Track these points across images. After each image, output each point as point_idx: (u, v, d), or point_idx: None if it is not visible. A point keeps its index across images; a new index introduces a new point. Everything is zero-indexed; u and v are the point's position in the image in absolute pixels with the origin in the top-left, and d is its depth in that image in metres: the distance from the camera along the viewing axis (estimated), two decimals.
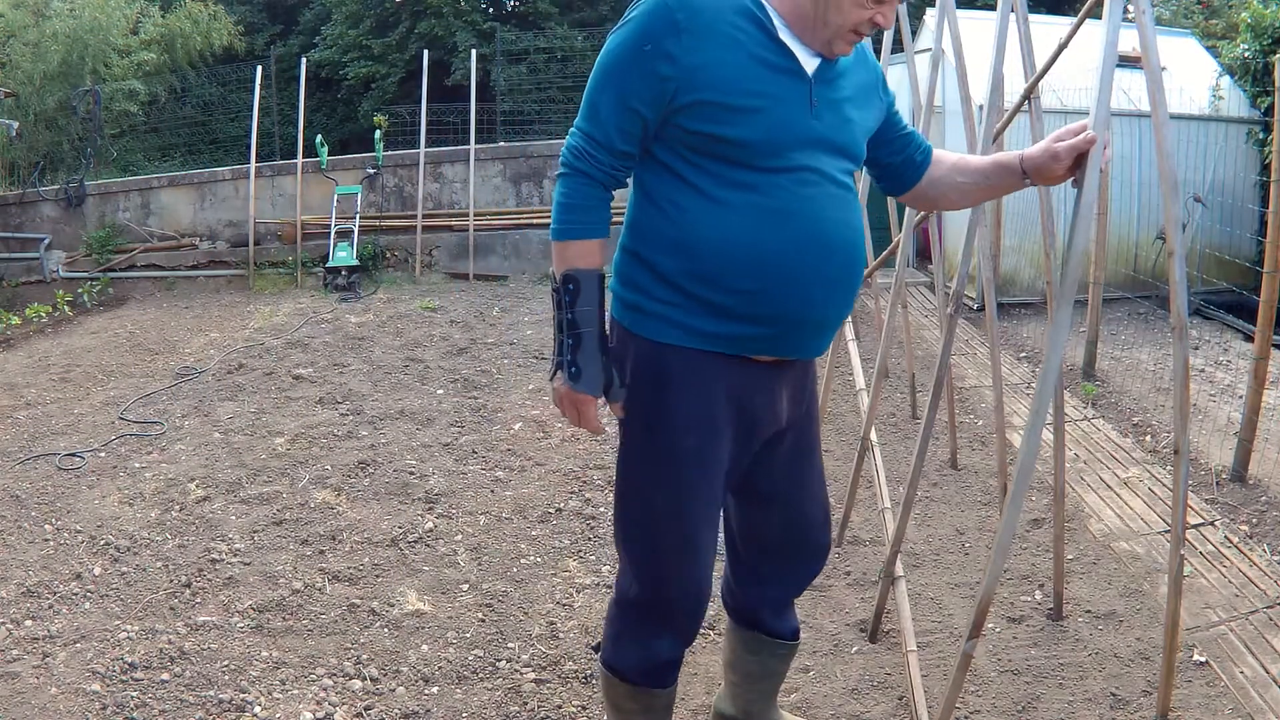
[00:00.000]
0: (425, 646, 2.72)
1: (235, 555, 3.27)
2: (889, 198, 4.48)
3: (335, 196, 8.55)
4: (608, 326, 1.88)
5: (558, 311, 1.80)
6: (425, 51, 9.73)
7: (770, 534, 2.04)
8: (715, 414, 1.83)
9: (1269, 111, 6.41)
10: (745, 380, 1.83)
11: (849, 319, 4.00)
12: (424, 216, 8.77)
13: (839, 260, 1.79)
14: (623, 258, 1.85)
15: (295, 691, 2.51)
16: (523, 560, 3.25)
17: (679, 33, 1.68)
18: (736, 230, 1.72)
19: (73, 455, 4.22)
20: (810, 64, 1.75)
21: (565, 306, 1.78)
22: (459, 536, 3.42)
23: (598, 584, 3.07)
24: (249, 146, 8.80)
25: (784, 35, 1.73)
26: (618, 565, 2.01)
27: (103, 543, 3.36)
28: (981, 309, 5.53)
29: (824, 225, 1.76)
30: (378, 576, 3.12)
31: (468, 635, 2.78)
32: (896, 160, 2.01)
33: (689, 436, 1.82)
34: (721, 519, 2.04)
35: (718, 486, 1.88)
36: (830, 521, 2.12)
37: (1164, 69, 2.10)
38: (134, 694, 2.49)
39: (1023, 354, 5.75)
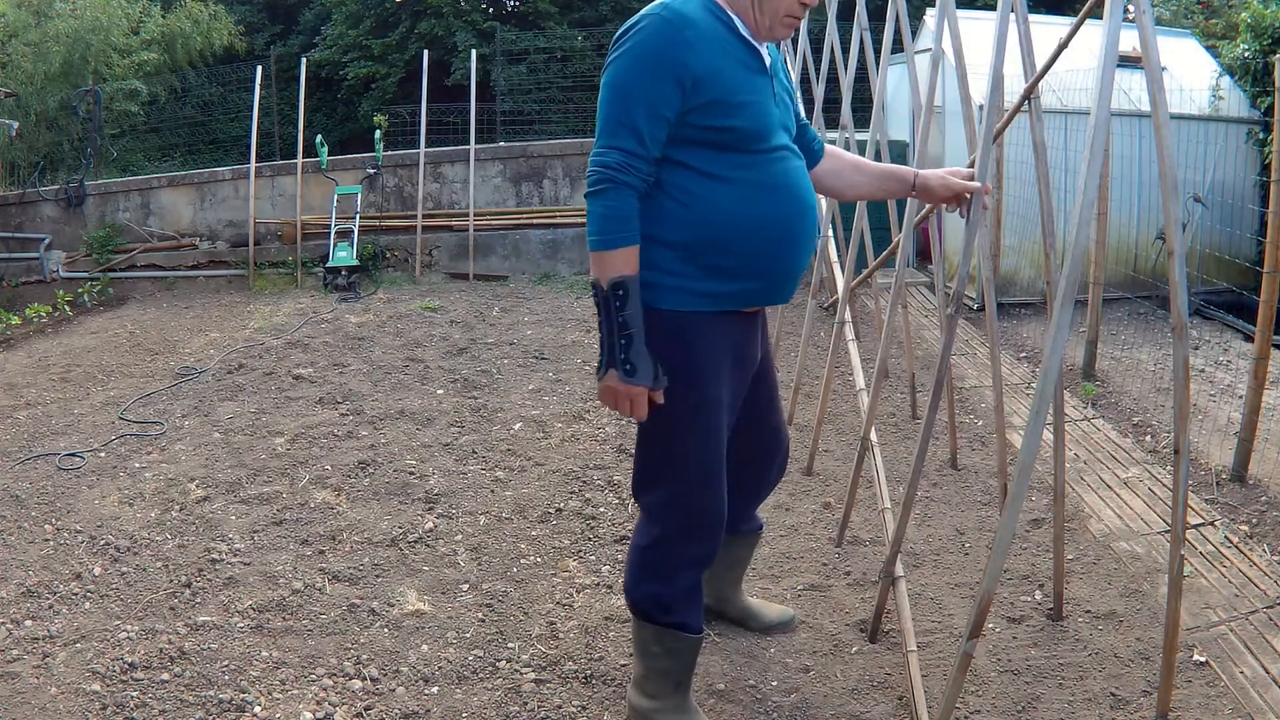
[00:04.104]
0: (425, 646, 2.72)
1: (235, 555, 3.27)
2: (888, 198, 4.47)
3: (335, 196, 8.55)
4: None
5: (607, 316, 2.01)
6: (425, 51, 9.73)
7: (748, 449, 2.40)
8: (723, 366, 2.15)
9: (1269, 111, 6.41)
10: (741, 331, 2.18)
11: (850, 318, 4.00)
12: (424, 216, 8.77)
13: (810, 218, 2.17)
14: None
15: (295, 691, 2.51)
16: (523, 560, 3.25)
17: (689, 47, 1.96)
18: (741, 202, 2.04)
19: (73, 455, 4.22)
20: (766, 57, 2.11)
21: (617, 311, 2.00)
22: (459, 536, 3.42)
23: (598, 584, 3.07)
24: (249, 146, 8.80)
25: (745, 34, 2.06)
26: (637, 517, 2.29)
27: (103, 543, 3.36)
28: (981, 309, 5.54)
29: (799, 192, 2.13)
30: (378, 576, 3.12)
31: (468, 635, 2.78)
32: (798, 144, 2.33)
33: (714, 386, 2.13)
34: None
35: (725, 426, 2.20)
36: (785, 428, 2.55)
37: (1164, 69, 2.10)
38: (134, 694, 2.49)
39: (1023, 354, 5.75)
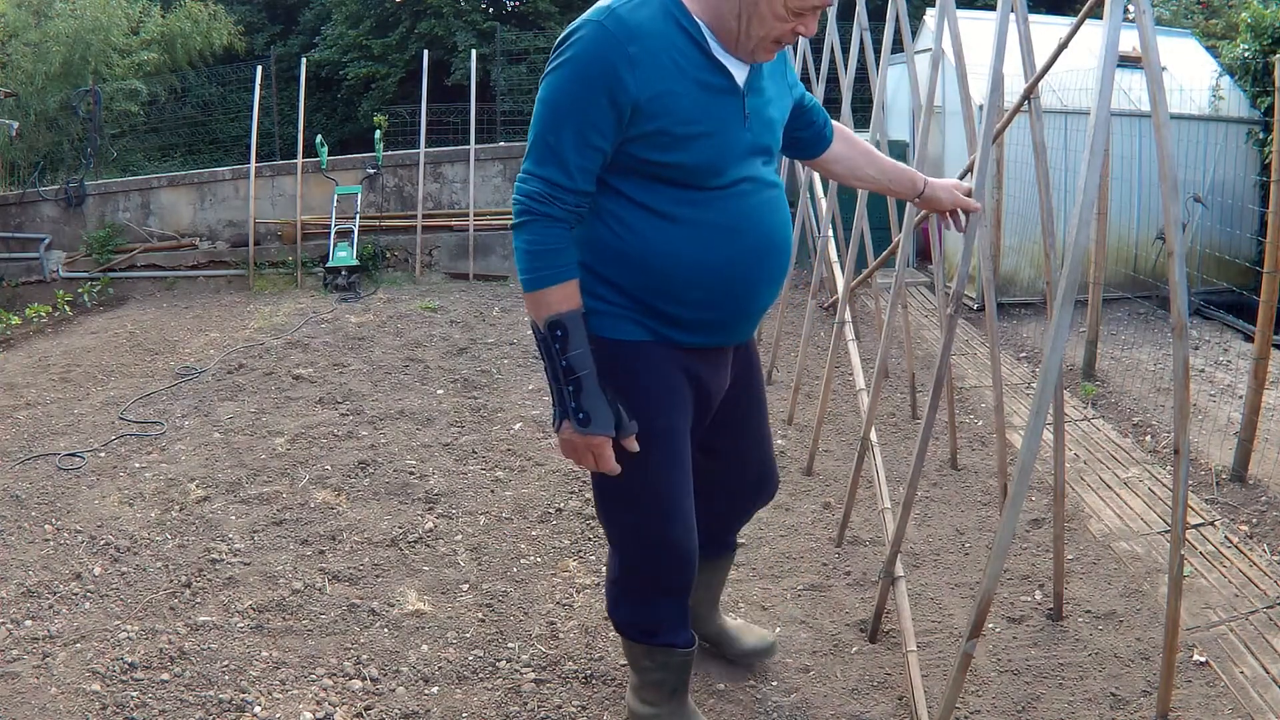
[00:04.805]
0: (425, 646, 2.72)
1: (235, 555, 3.27)
2: (888, 198, 4.48)
3: (335, 196, 8.55)
4: None
5: (549, 361, 1.81)
6: (425, 51, 9.73)
7: (722, 478, 2.24)
8: (677, 393, 1.96)
9: (1269, 111, 6.40)
10: (700, 362, 1.98)
11: (850, 319, 4.00)
12: (424, 216, 8.77)
13: (775, 259, 1.94)
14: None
15: (295, 691, 2.51)
16: (523, 560, 3.25)
17: (633, 65, 1.68)
18: (683, 246, 1.81)
19: (73, 455, 4.22)
20: (740, 75, 1.82)
21: (558, 355, 1.80)
22: (459, 536, 3.42)
23: (598, 584, 3.07)
24: (249, 146, 8.80)
25: (716, 50, 1.79)
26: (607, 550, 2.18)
27: (103, 543, 3.36)
28: (981, 309, 5.53)
29: (763, 231, 1.90)
30: (378, 576, 3.12)
31: (468, 635, 2.78)
32: (806, 134, 2.20)
33: (660, 418, 1.93)
34: None
35: (687, 454, 2.02)
36: (775, 461, 2.35)
37: (1164, 69, 2.10)
38: (134, 694, 2.49)
39: (1023, 354, 5.75)
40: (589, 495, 3.76)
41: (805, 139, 2.22)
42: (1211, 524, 3.34)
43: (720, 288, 1.86)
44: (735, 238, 1.84)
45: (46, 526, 3.51)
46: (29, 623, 2.84)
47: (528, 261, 1.78)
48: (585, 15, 1.74)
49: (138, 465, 4.13)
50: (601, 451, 1.85)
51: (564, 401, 1.82)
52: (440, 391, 5.16)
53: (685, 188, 1.79)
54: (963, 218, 2.33)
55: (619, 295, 1.86)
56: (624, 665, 2.58)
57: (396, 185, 9.02)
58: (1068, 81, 5.94)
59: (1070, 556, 3.11)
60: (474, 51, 9.91)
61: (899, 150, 7.77)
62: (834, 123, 2.27)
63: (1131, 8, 2.01)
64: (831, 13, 4.59)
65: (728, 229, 1.83)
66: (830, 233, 5.13)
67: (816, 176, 5.12)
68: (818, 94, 5.00)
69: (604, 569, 3.16)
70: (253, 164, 8.66)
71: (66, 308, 7.78)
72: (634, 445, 1.88)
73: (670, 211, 1.80)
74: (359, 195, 8.67)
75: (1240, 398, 4.15)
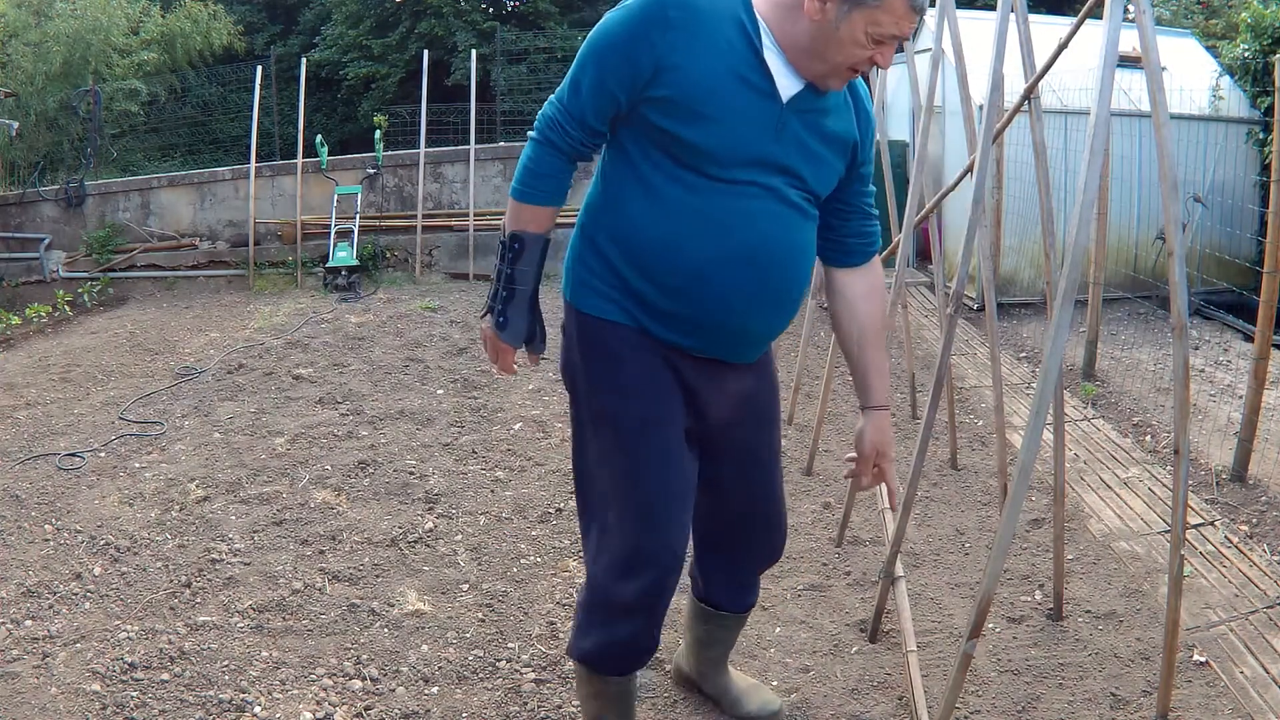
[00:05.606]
0: (425, 646, 2.72)
1: (235, 555, 3.27)
2: (887, 198, 4.47)
3: (335, 196, 8.55)
4: (563, 309, 1.97)
5: (499, 263, 1.93)
6: (425, 51, 9.73)
7: (718, 527, 2.11)
8: (660, 381, 1.87)
9: (1269, 111, 6.41)
10: (687, 363, 1.88)
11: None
12: (424, 216, 8.77)
13: (764, 275, 1.80)
14: (577, 235, 1.93)
15: (295, 691, 2.51)
16: (523, 560, 3.25)
17: (668, 28, 1.69)
18: (667, 228, 1.78)
19: (73, 455, 4.22)
20: (790, 89, 1.75)
21: (507, 261, 1.91)
22: (459, 536, 3.42)
23: None
24: (249, 146, 8.80)
25: (770, 56, 1.73)
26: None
27: (103, 543, 3.36)
28: (981, 309, 5.53)
29: (756, 239, 1.78)
30: (378, 576, 3.12)
31: (468, 635, 2.78)
32: (833, 223, 1.97)
33: (635, 403, 1.85)
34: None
35: (674, 451, 1.88)
36: (782, 522, 2.15)
37: (1164, 69, 2.10)
38: (134, 694, 2.49)
39: (1023, 354, 5.75)
40: None
41: (829, 228, 1.97)
42: (1211, 524, 3.34)
43: (695, 280, 1.78)
44: (718, 231, 1.76)
45: (46, 526, 3.51)
46: (29, 623, 2.84)
47: (521, 175, 1.87)
48: None
49: (138, 465, 4.13)
50: (503, 356, 1.98)
51: (495, 301, 1.95)
52: (440, 391, 5.16)
53: (688, 168, 1.75)
54: (872, 482, 2.06)
55: (607, 271, 1.85)
56: None
57: (396, 185, 9.02)
58: (1068, 81, 5.94)
59: (1070, 556, 3.11)
60: (474, 51, 9.92)
61: (899, 150, 7.76)
62: (871, 270, 2.02)
63: (1131, 8, 2.01)
64: None
65: (712, 221, 1.76)
66: None
67: None
68: None
69: None
70: (253, 164, 8.66)
71: (66, 308, 7.78)
72: (535, 362, 2.02)
73: (666, 188, 1.77)
74: (359, 195, 8.67)
75: (1240, 398, 4.15)
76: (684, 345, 1.85)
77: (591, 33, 1.78)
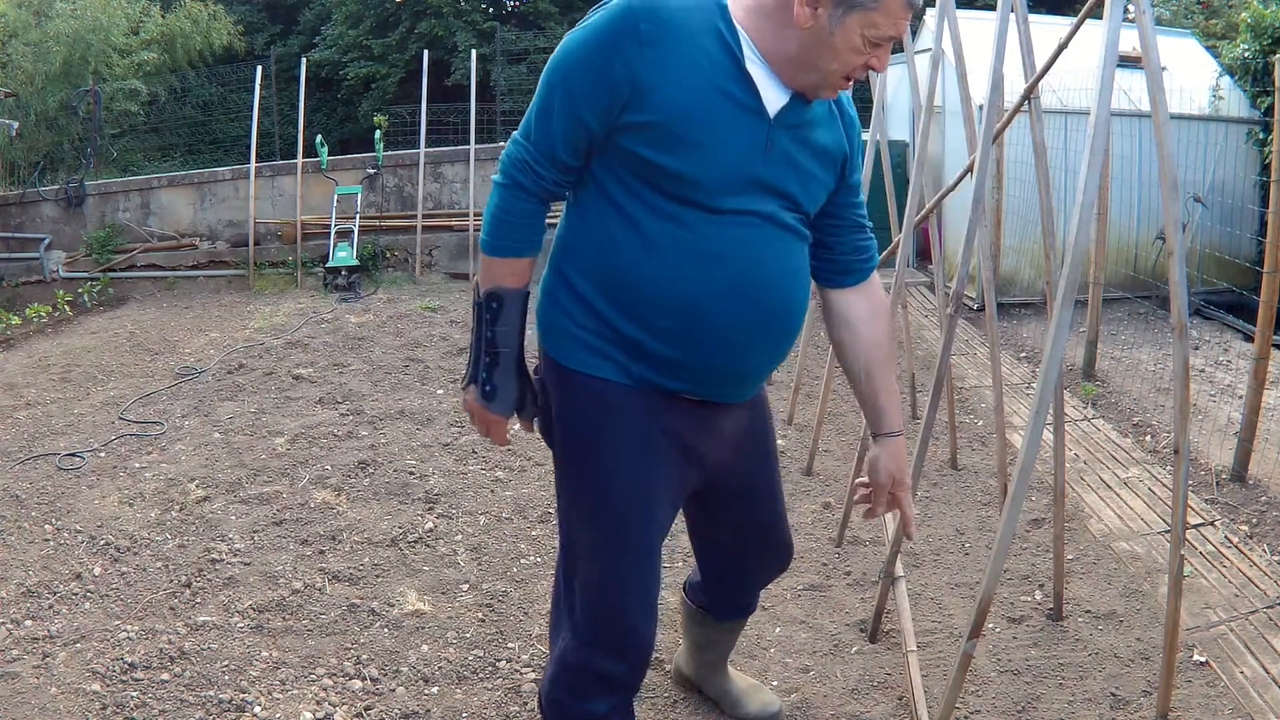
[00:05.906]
0: (425, 646, 2.72)
1: (235, 555, 3.27)
2: (887, 198, 4.47)
3: (335, 196, 8.55)
4: (538, 356, 1.81)
5: (478, 326, 1.75)
6: (425, 51, 9.73)
7: (722, 556, 2.07)
8: (651, 452, 1.73)
9: (1269, 111, 6.41)
10: (682, 416, 1.74)
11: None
12: (424, 216, 8.77)
13: (767, 307, 1.68)
14: (550, 275, 1.77)
15: (295, 691, 2.51)
16: (523, 560, 3.25)
17: (641, 44, 1.54)
18: (659, 268, 1.62)
19: (73, 455, 4.22)
20: (776, 102, 1.62)
21: (486, 324, 1.73)
22: (459, 536, 3.42)
23: None
24: (249, 146, 8.80)
25: (753, 68, 1.59)
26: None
27: (103, 543, 3.36)
28: (981, 309, 5.53)
29: (755, 270, 1.65)
30: (378, 576, 3.12)
31: (468, 635, 2.78)
32: (826, 240, 1.84)
33: (618, 478, 1.72)
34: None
35: (655, 530, 1.77)
36: (787, 541, 2.10)
37: (1164, 69, 2.10)
38: (134, 694, 2.49)
39: (1023, 354, 5.75)
40: None
41: (822, 245, 1.84)
42: (1211, 524, 3.34)
43: (691, 320, 1.63)
44: (715, 266, 1.62)
45: (46, 526, 3.51)
46: (29, 623, 2.84)
47: (490, 226, 1.71)
48: None
49: (138, 465, 4.13)
50: (495, 428, 1.79)
51: (477, 369, 1.76)
52: (440, 391, 5.16)
53: (674, 200, 1.61)
54: (885, 511, 1.97)
55: (589, 315, 1.69)
56: None
57: (396, 185, 9.02)
58: (1068, 81, 5.94)
59: (1070, 556, 3.11)
60: (474, 51, 9.92)
61: (899, 150, 7.76)
62: (872, 288, 1.90)
63: (1131, 8, 2.01)
64: None
65: (708, 255, 1.61)
66: None
67: None
68: None
69: None
70: (253, 164, 8.66)
71: (66, 308, 7.77)
72: (530, 428, 1.82)
73: (653, 224, 1.62)
74: (359, 195, 8.67)
75: (1240, 398, 4.15)
76: (679, 389, 1.71)
77: (553, 57, 1.62)
